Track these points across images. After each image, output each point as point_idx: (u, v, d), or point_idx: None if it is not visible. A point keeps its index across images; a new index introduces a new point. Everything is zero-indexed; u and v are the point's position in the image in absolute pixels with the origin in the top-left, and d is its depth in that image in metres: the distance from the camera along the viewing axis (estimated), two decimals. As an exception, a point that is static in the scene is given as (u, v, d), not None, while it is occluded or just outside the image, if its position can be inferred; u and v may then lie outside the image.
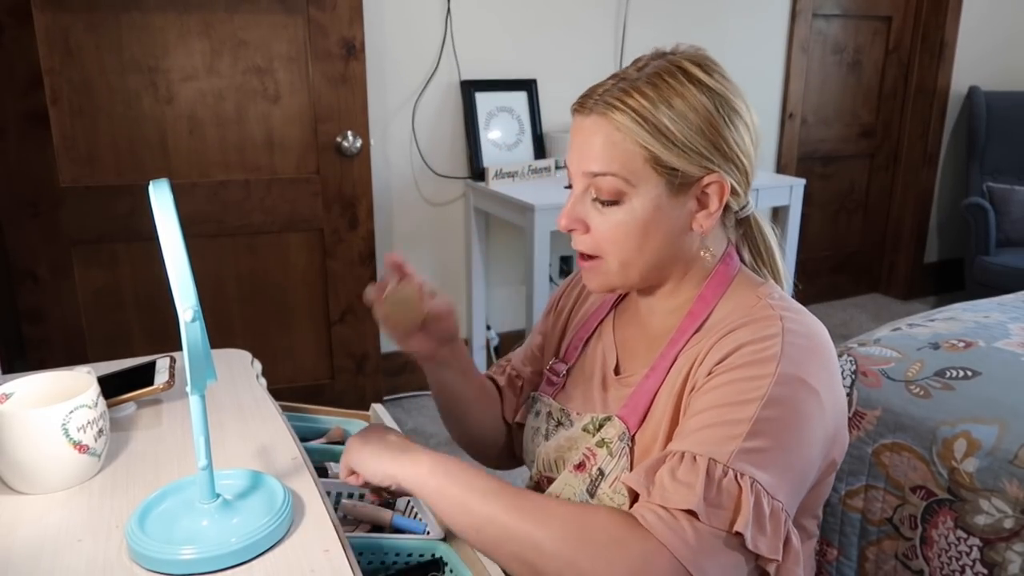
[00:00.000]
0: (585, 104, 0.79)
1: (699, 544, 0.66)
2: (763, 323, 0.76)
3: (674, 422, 0.78)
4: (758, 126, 0.81)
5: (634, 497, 0.74)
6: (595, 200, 0.79)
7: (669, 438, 0.78)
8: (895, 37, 3.59)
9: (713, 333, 0.79)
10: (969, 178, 3.56)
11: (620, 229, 0.78)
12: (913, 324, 1.48)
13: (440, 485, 0.76)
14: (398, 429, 0.91)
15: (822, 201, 3.64)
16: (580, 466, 0.84)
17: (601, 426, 0.84)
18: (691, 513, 0.67)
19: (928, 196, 3.77)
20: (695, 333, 0.82)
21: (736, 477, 0.68)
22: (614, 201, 0.78)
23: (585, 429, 0.86)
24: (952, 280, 3.84)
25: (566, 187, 0.84)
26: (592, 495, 0.82)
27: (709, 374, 0.75)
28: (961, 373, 1.25)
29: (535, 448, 0.95)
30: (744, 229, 0.88)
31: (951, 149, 3.77)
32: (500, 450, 1.07)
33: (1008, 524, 1.07)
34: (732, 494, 0.68)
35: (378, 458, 0.80)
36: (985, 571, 1.10)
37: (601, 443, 0.83)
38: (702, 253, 0.82)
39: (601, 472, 0.82)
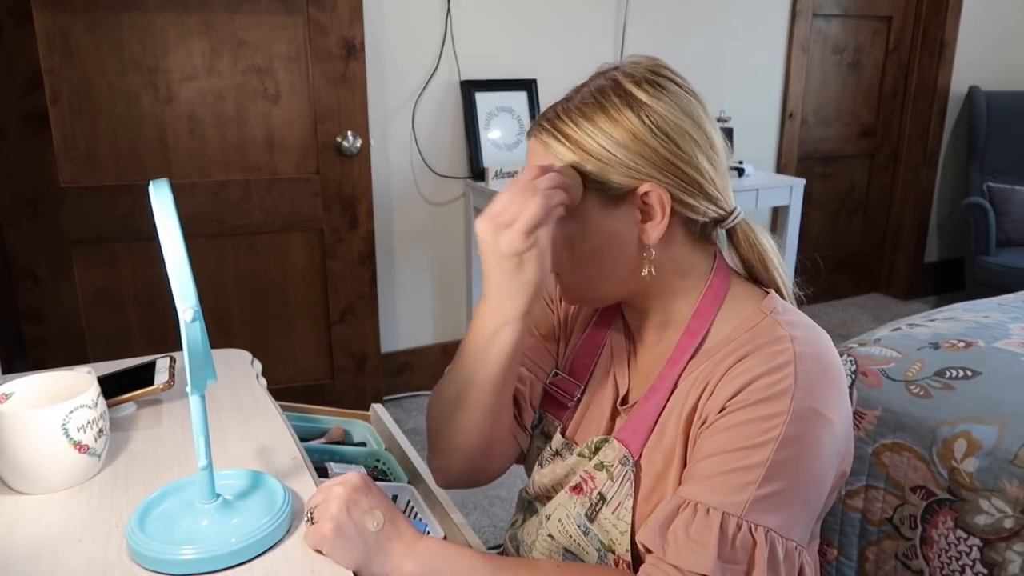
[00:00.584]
0: (532, 127, 0.82)
1: None
2: (773, 347, 0.74)
3: (686, 447, 0.77)
4: (711, 137, 0.79)
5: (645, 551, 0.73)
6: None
7: (682, 464, 0.77)
8: (895, 37, 3.59)
9: (721, 355, 0.77)
10: (969, 178, 3.56)
11: (564, 246, 0.79)
12: (913, 324, 1.48)
13: None
14: (369, 478, 0.78)
15: (822, 201, 3.64)
16: (577, 488, 0.83)
17: (598, 449, 0.83)
18: None
19: (928, 196, 3.77)
20: (696, 352, 0.80)
21: (751, 530, 0.69)
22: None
23: (580, 454, 0.85)
24: (952, 280, 3.84)
25: None
26: (592, 520, 0.81)
27: (721, 411, 0.73)
28: (961, 373, 1.25)
29: (531, 469, 0.94)
30: (732, 239, 0.85)
31: (951, 149, 3.77)
32: (504, 452, 0.95)
33: (1008, 524, 1.07)
34: (747, 548, 0.68)
35: (350, 554, 0.71)
36: (985, 571, 1.10)
37: (600, 466, 0.81)
38: (645, 266, 0.79)
39: (602, 497, 0.80)
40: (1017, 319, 1.48)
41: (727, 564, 0.67)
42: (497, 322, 0.78)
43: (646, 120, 0.75)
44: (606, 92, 0.77)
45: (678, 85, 0.78)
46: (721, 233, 0.84)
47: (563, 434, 0.90)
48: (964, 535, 1.12)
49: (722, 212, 0.80)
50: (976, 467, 1.10)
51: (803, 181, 2.83)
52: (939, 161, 3.75)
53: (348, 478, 0.74)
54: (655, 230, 0.78)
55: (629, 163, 0.76)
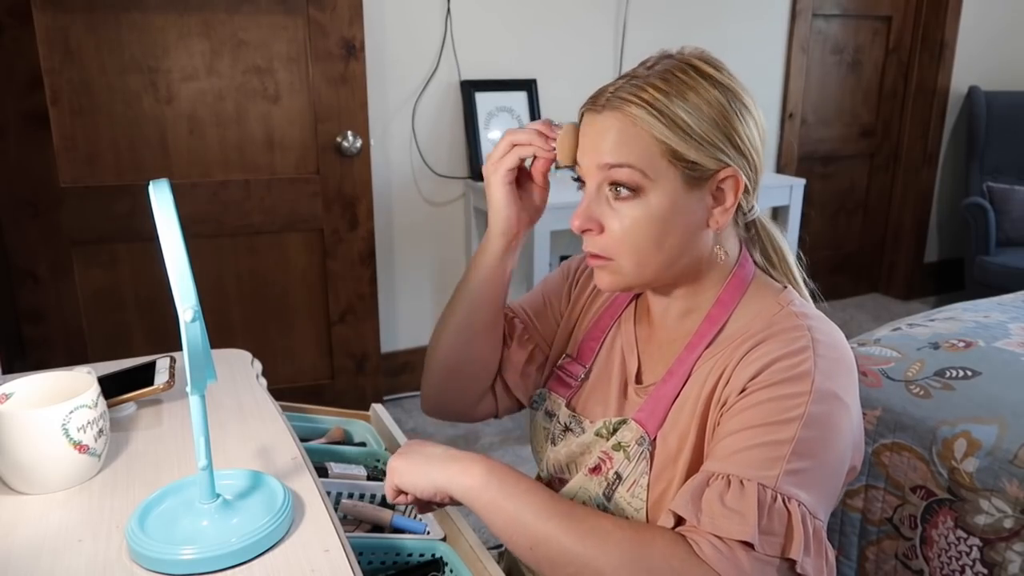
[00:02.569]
0: (597, 102, 0.78)
1: (754, 574, 0.67)
2: (791, 334, 0.75)
3: (701, 434, 0.77)
4: (764, 124, 0.81)
5: (677, 518, 0.73)
6: (610, 197, 0.78)
7: (696, 450, 0.77)
8: (895, 37, 3.59)
9: (737, 343, 0.78)
10: (969, 178, 3.56)
11: (637, 226, 0.77)
12: (913, 324, 1.48)
13: (493, 499, 0.74)
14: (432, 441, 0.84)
15: (822, 201, 3.64)
16: (596, 469, 0.84)
17: (616, 429, 0.83)
18: (745, 544, 0.67)
19: (928, 196, 3.77)
20: (715, 338, 0.81)
21: (785, 502, 0.68)
22: (631, 196, 0.76)
23: (598, 433, 0.85)
24: (952, 280, 3.84)
25: (578, 189, 0.82)
26: (609, 499, 0.82)
27: (742, 391, 0.74)
28: (961, 373, 1.25)
29: (542, 450, 0.95)
30: (752, 232, 0.87)
31: (951, 149, 3.77)
32: (482, 396, 1.00)
33: (1008, 524, 1.07)
34: (783, 519, 0.68)
35: (425, 470, 0.77)
36: (985, 571, 1.10)
37: (618, 446, 0.82)
38: (716, 250, 0.81)
39: (619, 476, 0.81)
40: (1017, 319, 1.48)
41: (765, 536, 0.67)
42: (489, 235, 0.92)
43: (726, 96, 0.76)
44: (685, 71, 0.76)
45: (730, 73, 0.80)
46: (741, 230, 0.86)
47: (568, 407, 0.92)
48: (964, 535, 1.12)
49: (753, 203, 0.82)
50: (976, 467, 1.10)
51: (803, 181, 2.83)
52: (939, 161, 3.75)
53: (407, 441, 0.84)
54: (724, 216, 0.78)
55: (718, 143, 0.75)
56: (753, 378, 0.74)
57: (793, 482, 0.69)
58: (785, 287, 0.84)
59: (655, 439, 0.80)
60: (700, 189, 0.77)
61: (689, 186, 0.76)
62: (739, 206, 0.80)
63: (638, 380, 0.88)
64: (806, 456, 0.70)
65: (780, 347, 0.74)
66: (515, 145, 0.86)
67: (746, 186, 0.78)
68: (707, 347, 0.81)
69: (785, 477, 0.69)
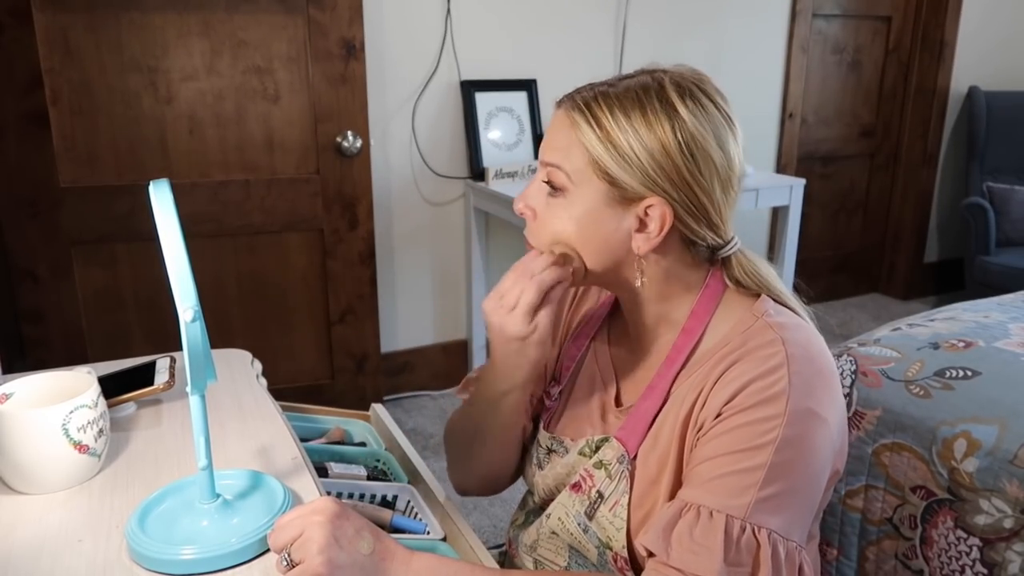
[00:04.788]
0: (562, 99, 0.81)
1: None
2: (765, 351, 0.75)
3: (680, 456, 0.77)
4: (733, 166, 0.78)
5: (649, 553, 0.73)
6: (547, 192, 0.81)
7: (677, 471, 0.77)
8: (895, 37, 3.59)
9: (714, 361, 0.77)
10: (969, 178, 3.56)
11: (556, 221, 0.79)
12: (913, 324, 1.48)
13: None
14: (350, 508, 0.73)
15: (822, 201, 3.64)
16: (576, 487, 0.84)
17: (598, 448, 0.83)
18: None
19: (928, 196, 3.77)
20: (692, 352, 0.81)
21: (754, 532, 0.69)
22: (557, 194, 0.79)
23: (581, 452, 0.85)
24: (952, 280, 3.84)
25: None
26: (591, 517, 0.82)
27: (717, 416, 0.74)
28: (961, 373, 1.25)
29: (531, 476, 0.94)
30: (727, 269, 0.84)
31: (951, 149, 3.77)
32: (514, 470, 1.00)
33: (1008, 524, 1.07)
34: (751, 550, 0.68)
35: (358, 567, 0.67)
36: (985, 571, 1.10)
37: (599, 464, 0.82)
38: (636, 276, 0.80)
39: (600, 495, 0.81)
40: (1017, 319, 1.48)
41: (732, 567, 0.67)
42: (503, 388, 0.86)
43: (678, 134, 0.75)
44: (649, 92, 0.76)
45: (716, 107, 0.78)
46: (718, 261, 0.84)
47: (547, 429, 0.92)
48: (964, 535, 1.12)
49: (719, 240, 0.80)
50: (976, 467, 1.10)
51: (803, 181, 2.83)
52: (939, 161, 3.75)
53: (320, 505, 0.68)
54: (646, 243, 0.78)
55: (649, 172, 0.75)
56: (728, 402, 0.73)
57: (765, 508, 0.69)
58: (760, 296, 0.82)
59: (635, 458, 0.80)
60: (622, 208, 0.77)
61: (609, 202, 0.77)
62: (693, 241, 0.79)
63: (617, 403, 0.88)
64: (779, 480, 0.70)
65: (754, 367, 0.74)
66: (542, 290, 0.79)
67: (682, 219, 0.76)
68: (685, 364, 0.80)
69: (756, 505, 0.69)
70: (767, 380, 0.73)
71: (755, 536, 0.69)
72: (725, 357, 0.77)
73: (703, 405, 0.76)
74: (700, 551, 0.68)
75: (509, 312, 0.78)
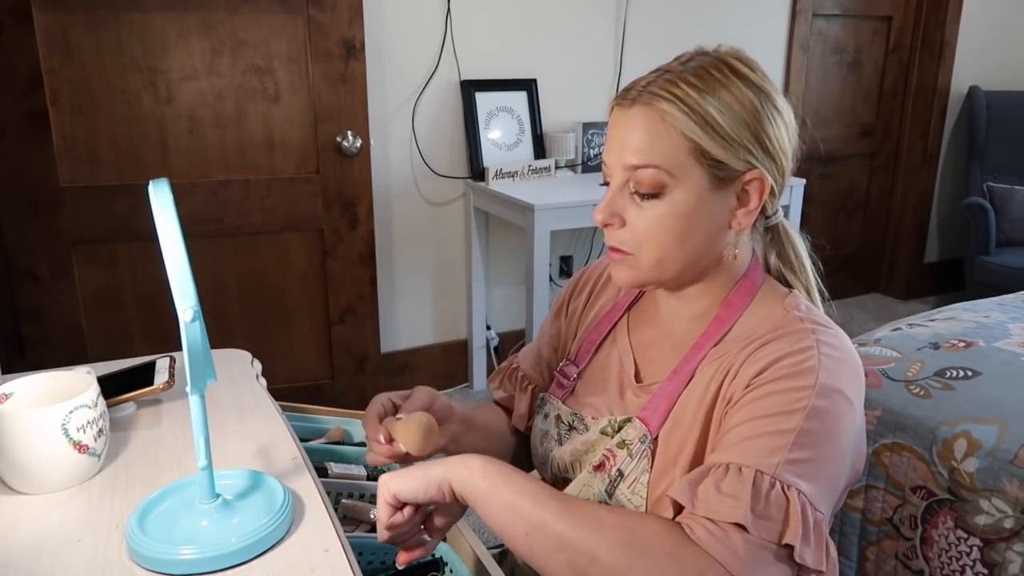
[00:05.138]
0: (627, 96, 0.78)
1: (749, 556, 0.66)
2: (795, 336, 0.76)
3: (704, 432, 0.77)
4: (795, 127, 0.80)
5: (677, 509, 0.73)
6: (634, 194, 0.78)
7: (699, 449, 0.77)
8: (895, 37, 3.59)
9: (742, 344, 0.78)
10: (969, 178, 3.56)
11: (660, 223, 0.77)
12: (913, 324, 1.48)
13: (492, 485, 0.73)
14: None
15: (822, 201, 3.64)
16: (600, 466, 0.84)
17: (621, 427, 0.84)
18: (739, 526, 0.67)
19: (928, 196, 3.77)
20: (720, 340, 0.81)
21: (783, 489, 0.68)
22: (655, 194, 0.76)
23: (603, 432, 0.86)
24: (952, 280, 3.84)
25: (601, 184, 0.83)
26: (610, 495, 0.82)
27: (747, 387, 0.74)
28: (961, 373, 1.25)
29: (546, 452, 0.95)
30: (772, 236, 0.86)
31: (951, 149, 3.77)
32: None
33: (1008, 524, 1.07)
34: (781, 506, 0.68)
35: (421, 472, 0.75)
36: (985, 571, 1.10)
37: (622, 444, 0.82)
38: (728, 251, 0.81)
39: (620, 473, 0.81)
40: (1017, 319, 1.48)
41: (760, 520, 0.67)
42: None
43: (755, 96, 0.75)
44: (720, 68, 0.76)
45: (764, 73, 0.78)
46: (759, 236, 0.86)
47: (565, 404, 0.93)
48: (964, 535, 1.12)
49: (777, 207, 0.82)
50: (976, 467, 1.10)
51: (803, 181, 2.83)
52: (939, 161, 3.75)
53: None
54: (747, 217, 0.79)
55: (747, 143, 0.75)
56: (758, 374, 0.74)
57: (794, 471, 0.69)
58: (791, 291, 0.84)
59: (656, 437, 0.81)
60: (725, 189, 0.77)
61: (714, 186, 0.76)
62: (762, 209, 0.80)
63: (637, 380, 0.88)
64: (808, 447, 0.70)
65: (785, 346, 0.75)
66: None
67: (772, 189, 0.78)
68: (713, 347, 0.81)
69: (786, 466, 0.69)
70: (798, 357, 0.73)
71: (784, 493, 0.68)
72: (755, 339, 0.77)
73: (731, 380, 0.76)
74: (726, 500, 0.67)
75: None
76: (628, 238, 0.79)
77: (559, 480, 0.92)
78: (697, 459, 0.77)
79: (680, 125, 0.74)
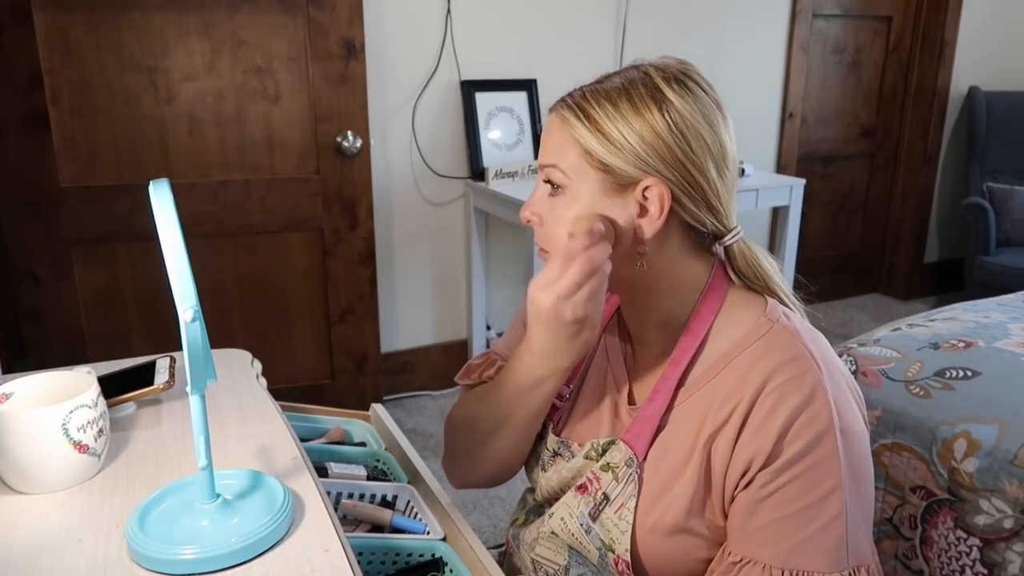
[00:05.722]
0: (554, 104, 0.83)
1: None
2: (798, 368, 0.75)
3: (706, 470, 0.77)
4: (725, 148, 0.78)
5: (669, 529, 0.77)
6: (548, 194, 0.81)
7: (700, 483, 0.77)
8: (895, 37, 3.59)
9: (732, 368, 0.77)
10: (969, 178, 3.56)
11: (561, 221, 0.80)
12: (913, 324, 1.48)
13: None
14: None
15: (822, 201, 3.64)
16: (582, 488, 0.83)
17: (605, 450, 0.83)
18: None
19: (928, 196, 3.77)
20: (698, 354, 0.80)
21: (854, 571, 0.73)
22: (557, 192, 0.80)
23: (587, 456, 0.85)
24: (952, 280, 3.84)
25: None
26: (595, 519, 0.81)
27: (767, 461, 0.74)
28: (961, 373, 1.25)
29: (535, 475, 0.94)
30: (729, 259, 0.84)
31: (951, 149, 3.77)
32: (523, 462, 0.99)
33: (1008, 524, 1.07)
34: None
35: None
36: (985, 571, 1.10)
37: (606, 467, 0.82)
38: (639, 263, 0.79)
39: (606, 497, 0.81)
40: (1017, 319, 1.48)
41: None
42: (542, 374, 0.81)
43: (667, 116, 0.75)
44: (635, 83, 0.78)
45: (704, 91, 0.78)
46: (721, 251, 0.84)
47: (556, 433, 0.91)
48: (964, 535, 1.12)
49: (721, 227, 0.80)
50: (976, 467, 1.10)
51: (803, 181, 2.83)
52: (939, 161, 3.75)
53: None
54: (650, 226, 0.77)
55: (640, 154, 0.75)
56: (776, 443, 0.73)
57: (856, 544, 0.74)
58: (767, 299, 0.82)
59: (643, 461, 0.80)
60: (622, 196, 0.77)
61: (607, 191, 0.77)
62: (691, 227, 0.79)
63: (631, 401, 0.87)
64: (855, 510, 0.74)
65: (792, 392, 0.74)
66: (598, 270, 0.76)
67: (680, 200, 0.77)
68: (690, 366, 0.80)
69: (852, 551, 0.73)
70: (811, 411, 0.74)
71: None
72: (750, 367, 0.76)
73: (735, 427, 0.75)
74: None
75: (567, 298, 0.74)
76: (542, 235, 0.83)
77: (548, 503, 0.91)
78: (701, 493, 0.77)
79: (576, 133, 0.78)
